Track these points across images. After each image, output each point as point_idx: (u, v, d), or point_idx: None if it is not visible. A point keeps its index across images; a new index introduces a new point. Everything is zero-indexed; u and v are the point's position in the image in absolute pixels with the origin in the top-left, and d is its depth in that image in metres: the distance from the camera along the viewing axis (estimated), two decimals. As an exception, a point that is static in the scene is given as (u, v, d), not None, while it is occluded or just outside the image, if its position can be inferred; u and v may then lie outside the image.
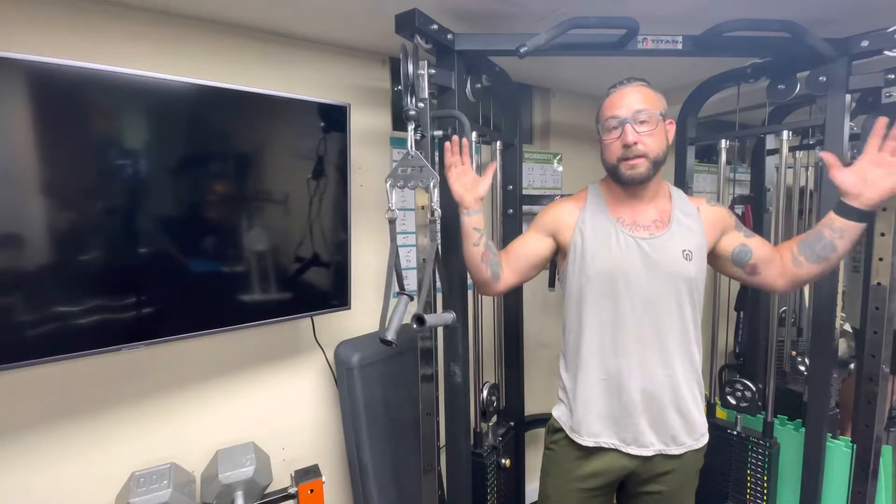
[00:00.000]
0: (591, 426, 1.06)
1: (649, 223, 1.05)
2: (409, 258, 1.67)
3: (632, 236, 1.03)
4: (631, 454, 1.05)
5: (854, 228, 0.94)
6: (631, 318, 1.02)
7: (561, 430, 1.13)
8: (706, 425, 1.09)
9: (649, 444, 1.04)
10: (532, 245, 1.12)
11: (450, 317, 1.03)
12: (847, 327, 1.67)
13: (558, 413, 1.15)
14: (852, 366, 1.65)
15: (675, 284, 1.02)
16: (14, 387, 1.09)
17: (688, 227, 1.04)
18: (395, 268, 1.01)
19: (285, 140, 1.24)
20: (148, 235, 1.05)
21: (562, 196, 1.21)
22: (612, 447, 1.06)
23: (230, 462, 1.25)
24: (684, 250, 1.02)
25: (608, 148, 1.02)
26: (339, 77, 1.49)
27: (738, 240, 1.07)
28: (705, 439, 1.08)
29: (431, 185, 0.97)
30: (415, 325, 0.93)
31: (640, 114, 0.96)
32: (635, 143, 0.96)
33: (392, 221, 0.99)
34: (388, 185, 0.98)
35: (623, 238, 1.03)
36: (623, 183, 1.03)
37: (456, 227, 1.11)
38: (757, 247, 1.06)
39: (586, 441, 1.07)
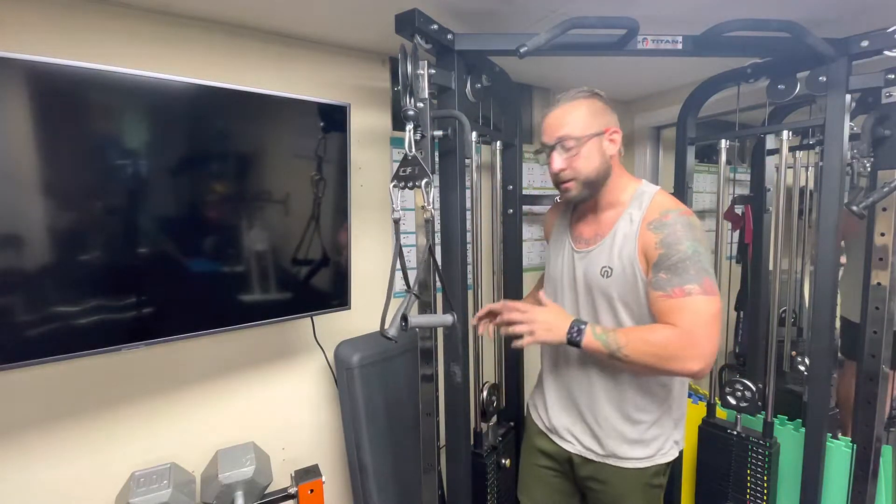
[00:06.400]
0: (538, 407, 1.21)
1: (591, 236, 1.07)
2: (409, 258, 1.67)
3: (573, 249, 1.09)
4: (557, 443, 1.14)
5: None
6: None
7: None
8: (646, 449, 1.02)
9: (569, 441, 1.11)
10: None
11: (436, 319, 0.99)
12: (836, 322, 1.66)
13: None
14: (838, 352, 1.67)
15: (592, 299, 1.04)
16: (14, 387, 1.09)
17: (622, 241, 0.99)
18: (402, 266, 1.01)
19: (285, 140, 1.24)
20: (148, 235, 1.05)
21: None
22: (544, 432, 1.17)
23: (230, 462, 1.25)
24: (603, 267, 1.01)
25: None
26: (339, 77, 1.49)
27: (652, 278, 0.94)
28: (634, 463, 1.02)
29: (423, 185, 0.97)
30: (401, 324, 0.92)
31: (563, 140, 0.98)
32: (561, 170, 0.99)
33: (396, 221, 0.99)
34: (391, 186, 0.98)
35: (567, 249, 1.11)
36: None
37: (454, 226, 1.12)
38: (653, 300, 0.94)
39: (532, 413, 1.23)
